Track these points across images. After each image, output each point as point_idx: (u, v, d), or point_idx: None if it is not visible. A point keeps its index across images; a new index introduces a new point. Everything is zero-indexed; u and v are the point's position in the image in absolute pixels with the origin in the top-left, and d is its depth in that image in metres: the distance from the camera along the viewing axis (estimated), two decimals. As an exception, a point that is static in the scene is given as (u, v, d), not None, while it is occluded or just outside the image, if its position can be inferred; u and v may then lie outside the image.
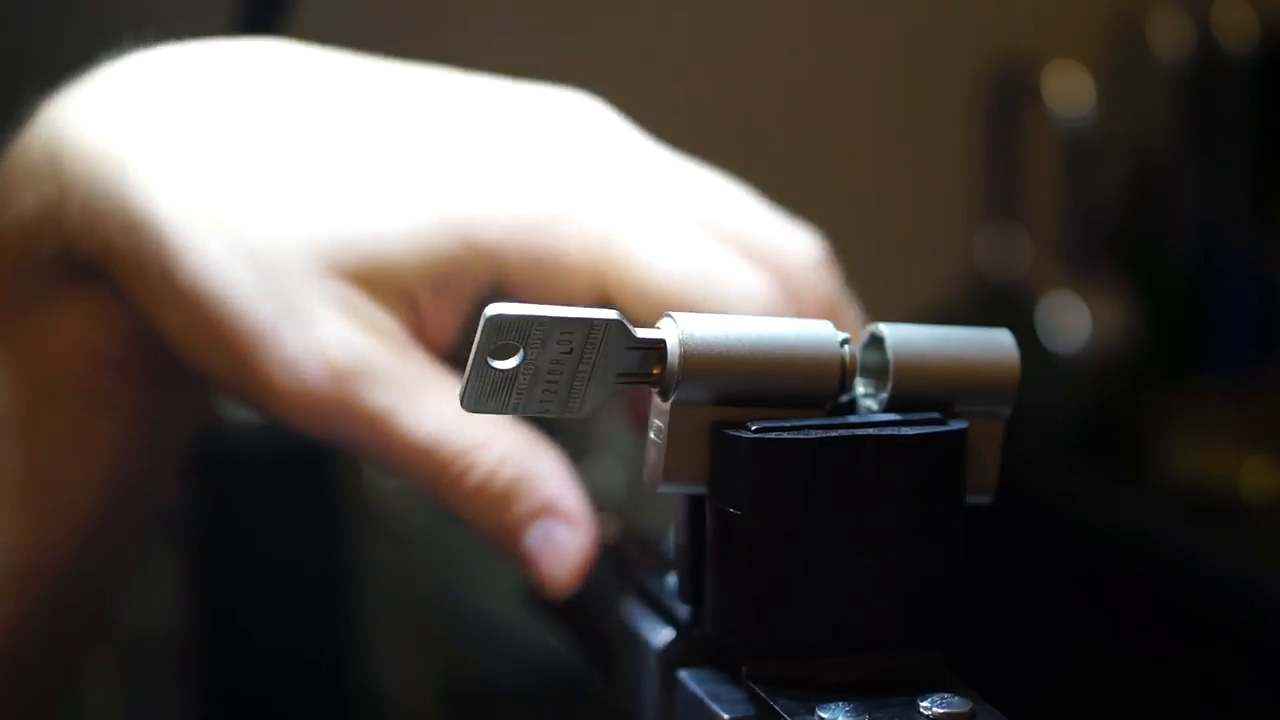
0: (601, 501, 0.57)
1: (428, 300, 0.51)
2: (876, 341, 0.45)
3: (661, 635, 0.47)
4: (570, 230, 0.51)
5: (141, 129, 0.52)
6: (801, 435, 0.42)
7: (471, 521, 0.51)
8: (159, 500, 0.62)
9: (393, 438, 0.50)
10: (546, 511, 0.50)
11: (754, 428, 0.42)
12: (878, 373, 0.45)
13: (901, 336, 0.44)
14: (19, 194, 0.53)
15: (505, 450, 0.50)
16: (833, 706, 0.41)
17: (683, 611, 0.47)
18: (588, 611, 0.54)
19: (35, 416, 0.55)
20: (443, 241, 0.51)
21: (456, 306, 0.52)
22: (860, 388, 0.45)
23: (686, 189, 0.54)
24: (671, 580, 0.49)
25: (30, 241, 0.53)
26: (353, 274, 0.51)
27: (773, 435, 0.42)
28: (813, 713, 0.41)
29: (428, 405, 0.50)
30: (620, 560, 0.53)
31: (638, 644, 0.49)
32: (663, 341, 0.43)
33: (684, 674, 0.46)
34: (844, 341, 0.44)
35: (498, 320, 0.41)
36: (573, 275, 0.51)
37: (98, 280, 0.53)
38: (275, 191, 0.51)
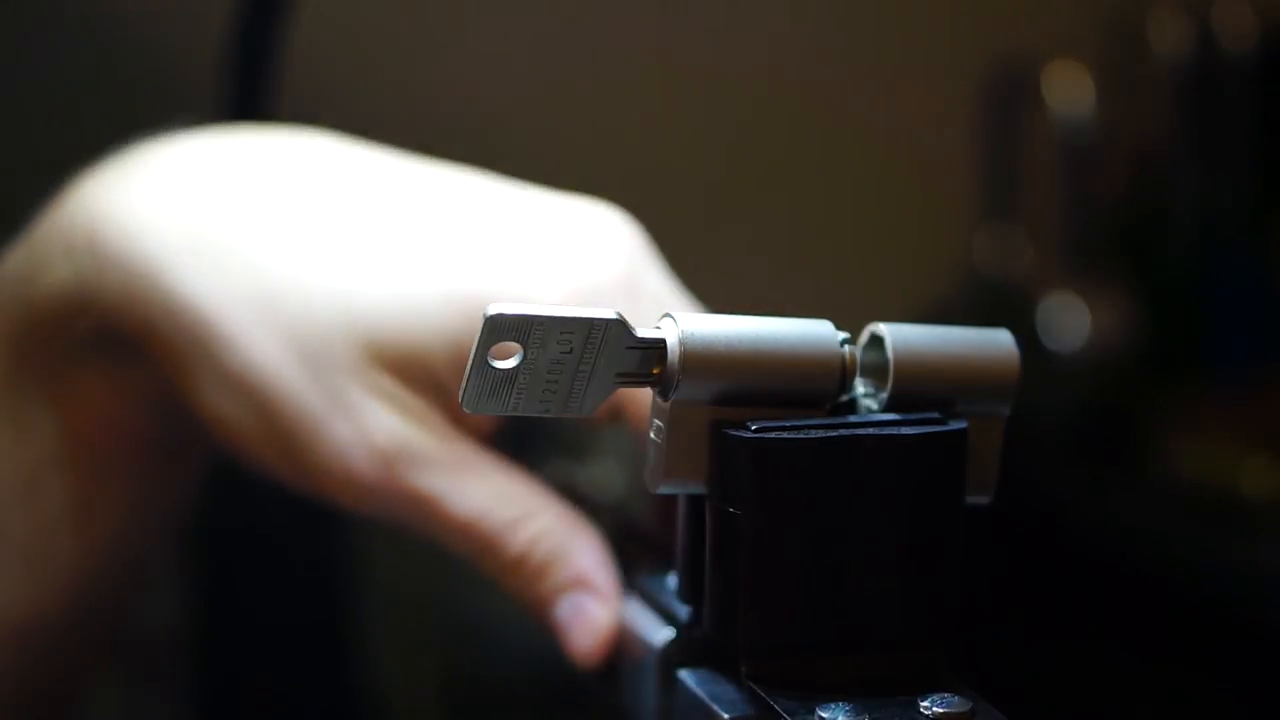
0: (601, 500, 0.57)
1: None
2: (876, 341, 0.45)
3: (661, 635, 0.48)
4: None
5: (185, 214, 0.53)
6: (802, 435, 0.42)
7: (511, 592, 0.53)
8: (158, 553, 0.64)
9: (439, 517, 0.53)
10: (578, 584, 0.52)
11: (754, 427, 0.42)
12: (877, 372, 0.45)
13: (901, 336, 0.44)
14: (52, 265, 0.54)
15: (543, 526, 0.53)
16: (833, 706, 0.41)
17: (682, 611, 0.47)
18: None
19: (44, 480, 0.56)
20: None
21: None
22: (859, 387, 0.45)
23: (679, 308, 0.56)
24: (671, 580, 0.49)
25: (64, 313, 0.54)
26: (391, 366, 0.52)
27: (773, 435, 0.42)
28: (813, 712, 0.41)
29: (471, 485, 0.53)
30: (620, 560, 0.53)
31: (637, 643, 0.49)
32: (663, 341, 0.43)
33: (684, 673, 0.46)
34: (844, 341, 0.44)
35: (498, 320, 0.41)
36: None
37: (128, 353, 0.54)
38: (317, 284, 0.53)
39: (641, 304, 0.53)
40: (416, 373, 0.52)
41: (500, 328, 0.41)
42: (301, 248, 0.53)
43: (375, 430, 0.52)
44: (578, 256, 0.53)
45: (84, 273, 0.53)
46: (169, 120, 0.57)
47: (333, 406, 0.52)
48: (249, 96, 0.74)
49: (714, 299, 0.56)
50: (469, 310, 0.52)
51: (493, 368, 0.42)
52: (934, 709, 0.41)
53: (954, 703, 0.41)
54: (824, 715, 0.41)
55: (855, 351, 0.44)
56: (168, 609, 0.83)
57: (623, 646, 0.51)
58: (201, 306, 0.52)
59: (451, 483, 0.52)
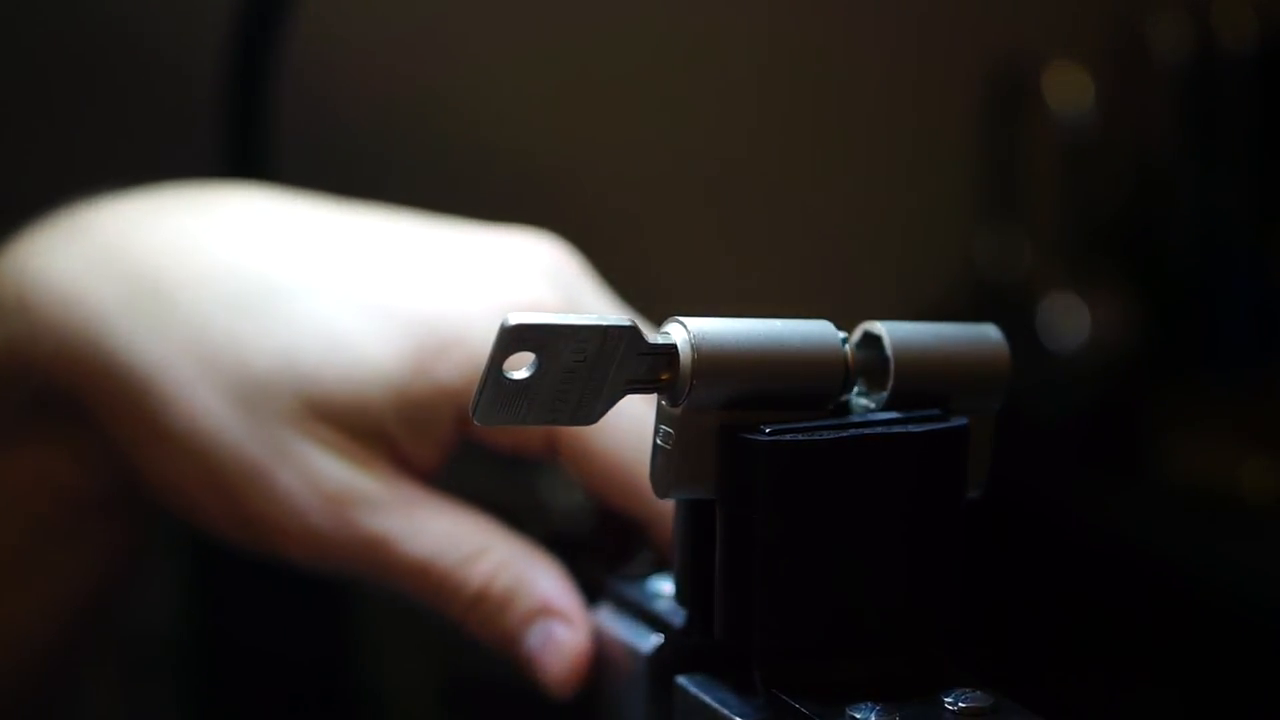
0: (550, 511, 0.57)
1: (404, 437, 0.53)
2: (869, 340, 0.45)
3: (650, 641, 0.47)
4: None
5: (118, 275, 0.54)
6: (817, 436, 0.42)
7: (475, 632, 0.53)
8: (110, 614, 0.64)
9: (391, 559, 0.53)
10: (543, 612, 0.52)
11: (769, 430, 0.42)
12: (870, 371, 0.45)
13: (898, 334, 0.45)
14: None
15: (499, 560, 0.53)
16: (864, 707, 0.41)
17: (670, 616, 0.47)
18: None
19: None
20: (414, 385, 0.53)
21: (432, 442, 0.54)
22: (854, 386, 0.45)
23: None
24: (652, 585, 0.49)
25: None
26: (332, 417, 0.52)
27: (789, 437, 0.42)
28: (843, 714, 0.41)
29: (421, 525, 0.53)
30: (585, 568, 0.53)
31: (619, 650, 0.49)
32: (674, 346, 0.43)
33: (683, 680, 0.46)
34: (845, 340, 0.44)
35: (515, 330, 0.41)
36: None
37: (66, 416, 0.54)
38: (255, 339, 0.53)
39: None
40: (359, 421, 0.52)
41: (516, 338, 0.41)
42: (238, 303, 0.53)
43: (322, 478, 0.52)
44: (512, 289, 0.54)
45: (16, 337, 0.54)
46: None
47: (277, 458, 0.52)
48: (248, 109, 0.74)
49: (711, 298, 0.56)
50: (410, 361, 0.52)
51: (507, 379, 0.42)
52: (959, 704, 0.41)
53: (976, 698, 0.42)
54: (856, 716, 0.41)
55: (854, 350, 0.44)
56: (167, 608, 0.83)
57: (598, 653, 0.51)
58: (139, 366, 0.52)
59: (404, 524, 0.52)
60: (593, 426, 0.49)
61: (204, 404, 0.52)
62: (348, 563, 0.53)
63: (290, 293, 0.53)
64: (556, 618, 0.52)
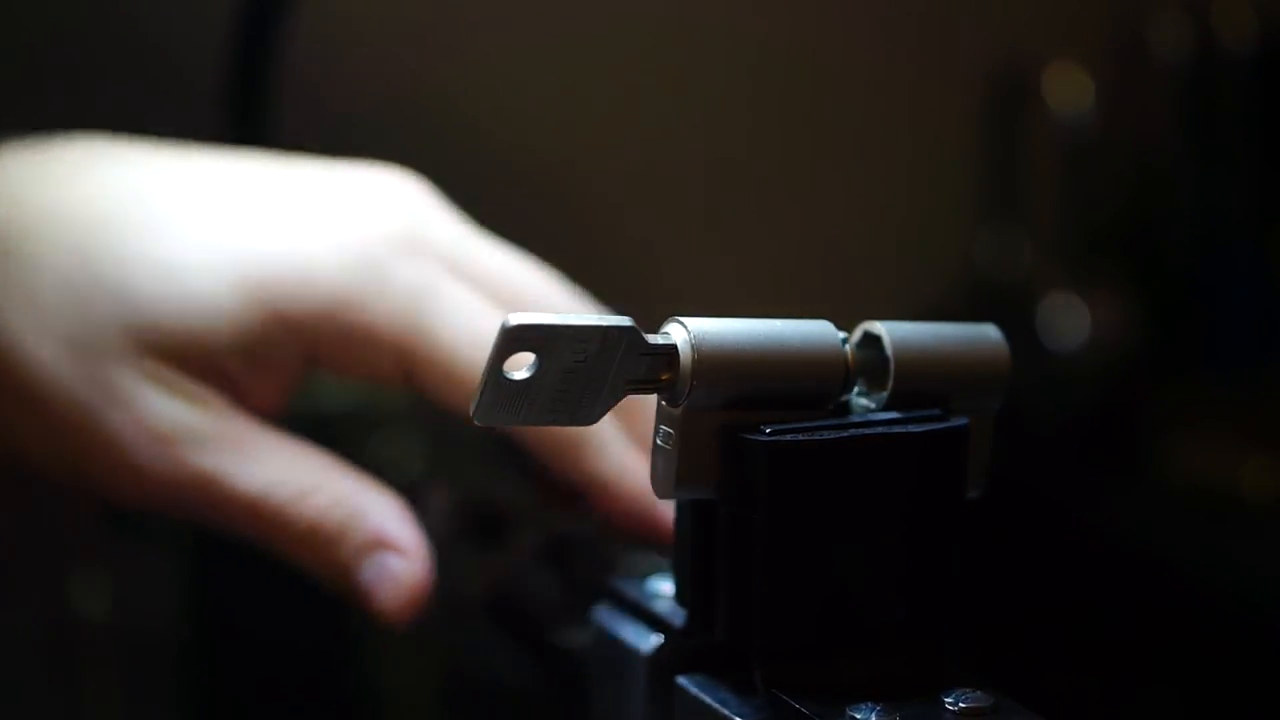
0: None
1: (242, 373, 0.53)
2: (869, 340, 0.45)
3: (650, 641, 0.47)
4: (378, 308, 0.53)
5: None
6: (818, 436, 0.42)
7: (309, 568, 0.53)
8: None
9: (222, 495, 0.53)
10: (377, 545, 0.52)
11: (769, 430, 0.42)
12: (870, 371, 0.45)
13: (898, 334, 0.45)
14: None
15: (333, 495, 0.53)
16: (864, 707, 0.41)
17: (677, 616, 0.47)
18: (543, 620, 0.55)
19: None
20: (253, 319, 0.53)
21: (274, 378, 0.54)
22: (854, 386, 0.45)
23: (493, 269, 0.56)
24: (652, 585, 0.49)
25: None
26: (165, 353, 0.52)
27: (789, 437, 0.42)
28: (843, 714, 0.41)
29: (254, 461, 0.53)
30: (585, 568, 0.53)
31: (620, 650, 0.49)
32: (674, 346, 0.43)
33: (684, 680, 0.46)
34: (845, 340, 0.44)
35: (516, 330, 0.41)
36: (381, 351, 0.54)
37: None
38: (87, 280, 0.53)
39: (427, 256, 0.54)
40: (194, 356, 0.52)
41: (517, 338, 0.41)
42: (70, 246, 0.53)
43: (151, 416, 0.52)
44: (353, 218, 0.54)
45: None
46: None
47: (105, 398, 0.52)
48: (249, 105, 0.74)
49: (710, 298, 0.56)
50: (250, 294, 0.52)
51: (507, 379, 0.42)
52: (959, 704, 0.41)
53: (977, 697, 0.42)
54: (856, 716, 0.41)
55: (854, 349, 0.44)
56: (167, 608, 0.83)
57: (597, 654, 0.51)
58: None
59: (234, 460, 0.52)
60: (450, 340, 0.50)
61: (35, 351, 0.52)
62: (178, 501, 0.53)
63: (124, 232, 0.53)
64: (391, 550, 0.52)
